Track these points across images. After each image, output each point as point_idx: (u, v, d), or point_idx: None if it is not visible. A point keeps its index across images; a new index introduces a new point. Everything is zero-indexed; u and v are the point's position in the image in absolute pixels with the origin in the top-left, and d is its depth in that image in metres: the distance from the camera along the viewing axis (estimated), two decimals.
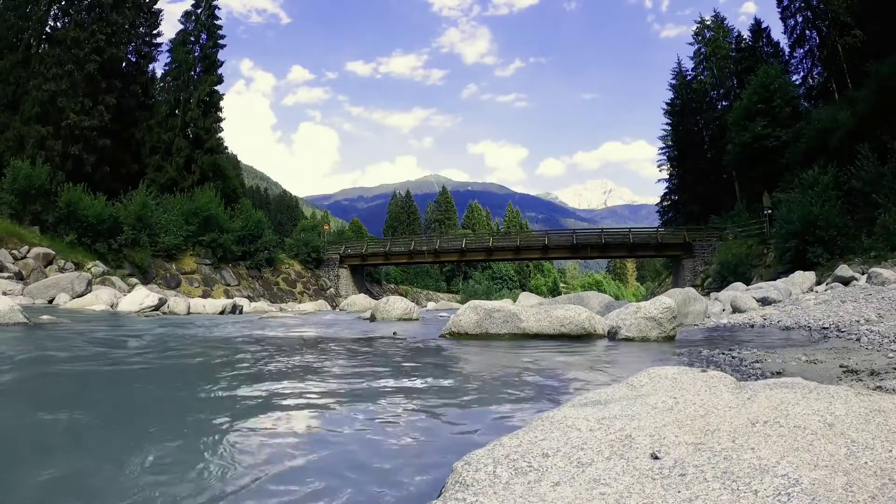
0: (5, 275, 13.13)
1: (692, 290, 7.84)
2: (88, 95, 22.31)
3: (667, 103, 36.13)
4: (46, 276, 13.62)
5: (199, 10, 29.02)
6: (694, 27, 35.07)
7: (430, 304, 28.28)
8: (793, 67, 28.07)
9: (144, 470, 1.49)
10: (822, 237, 15.46)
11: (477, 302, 5.77)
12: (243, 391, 2.62)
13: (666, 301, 5.17)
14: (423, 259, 30.14)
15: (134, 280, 16.90)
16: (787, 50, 28.94)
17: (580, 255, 30.42)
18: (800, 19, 27.02)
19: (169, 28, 40.43)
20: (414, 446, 1.73)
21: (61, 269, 14.88)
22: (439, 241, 30.34)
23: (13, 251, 14.44)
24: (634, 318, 5.04)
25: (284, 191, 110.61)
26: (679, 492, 0.97)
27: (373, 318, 9.16)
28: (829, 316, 5.60)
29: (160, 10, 29.00)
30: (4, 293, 10.56)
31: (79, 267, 15.69)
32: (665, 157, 37.16)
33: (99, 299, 11.02)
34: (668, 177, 37.43)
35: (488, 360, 4.09)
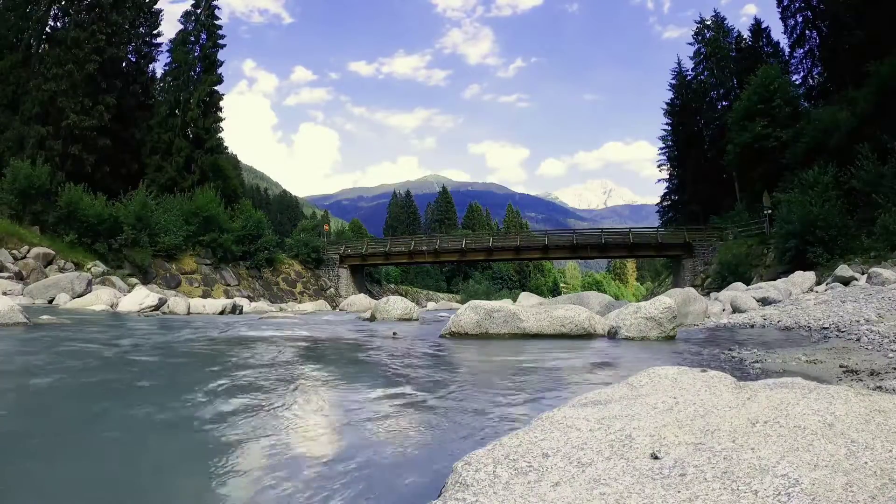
0: (5, 275, 13.13)
1: (692, 290, 7.84)
2: (88, 95, 22.28)
3: (667, 103, 36.11)
4: (46, 276, 13.61)
5: (198, 10, 29.00)
6: (694, 27, 35.08)
7: (430, 305, 28.24)
8: (793, 67, 28.05)
9: (143, 471, 1.49)
10: (822, 237, 15.45)
11: (477, 302, 5.77)
12: (242, 391, 2.62)
13: (666, 301, 5.17)
14: (423, 259, 30.11)
15: (134, 280, 16.88)
16: (787, 50, 28.94)
17: (580, 255, 30.39)
18: (800, 19, 27.01)
19: (169, 28, 40.36)
20: (414, 446, 1.73)
21: (61, 269, 14.88)
22: (439, 241, 30.30)
23: (13, 251, 14.44)
24: (634, 318, 5.04)
25: (284, 191, 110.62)
26: (679, 492, 0.97)
27: (373, 319, 9.16)
28: (829, 316, 5.59)
29: (160, 10, 28.99)
30: (4, 293, 10.56)
31: (79, 267, 15.68)
32: (665, 158, 37.14)
33: (99, 299, 11.01)
34: (668, 177, 37.41)
35: (488, 361, 4.09)
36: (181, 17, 29.05)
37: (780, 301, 8.96)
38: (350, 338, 5.98)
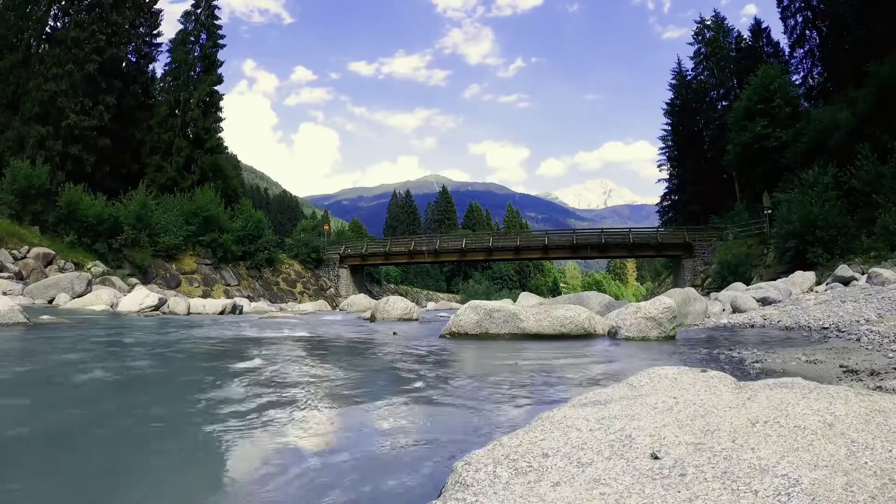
0: (5, 275, 13.12)
1: (692, 290, 7.84)
2: (88, 95, 22.29)
3: (667, 103, 36.12)
4: (46, 276, 13.60)
5: (198, 10, 29.00)
6: (694, 28, 35.08)
7: (430, 305, 28.24)
8: (793, 67, 28.08)
9: (145, 470, 1.49)
10: (822, 237, 15.45)
11: (477, 302, 5.77)
12: (242, 392, 2.62)
13: (666, 301, 5.17)
14: (423, 259, 30.11)
15: (134, 280, 16.87)
16: (787, 50, 28.99)
17: (580, 255, 30.40)
18: (800, 19, 27.04)
19: (169, 28, 40.40)
20: (414, 446, 1.73)
21: (61, 269, 14.87)
22: (439, 241, 30.29)
23: (13, 251, 14.43)
24: (634, 318, 5.04)
25: (284, 191, 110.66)
26: (679, 492, 0.97)
27: (373, 319, 9.16)
28: (829, 316, 5.59)
29: (160, 10, 29.01)
30: (4, 293, 10.55)
31: (79, 267, 15.67)
32: (665, 157, 37.16)
33: (99, 299, 11.01)
34: (668, 177, 37.43)
35: (488, 361, 4.09)
36: (181, 17, 29.08)
37: (780, 301, 8.95)
38: (350, 338, 5.98)
